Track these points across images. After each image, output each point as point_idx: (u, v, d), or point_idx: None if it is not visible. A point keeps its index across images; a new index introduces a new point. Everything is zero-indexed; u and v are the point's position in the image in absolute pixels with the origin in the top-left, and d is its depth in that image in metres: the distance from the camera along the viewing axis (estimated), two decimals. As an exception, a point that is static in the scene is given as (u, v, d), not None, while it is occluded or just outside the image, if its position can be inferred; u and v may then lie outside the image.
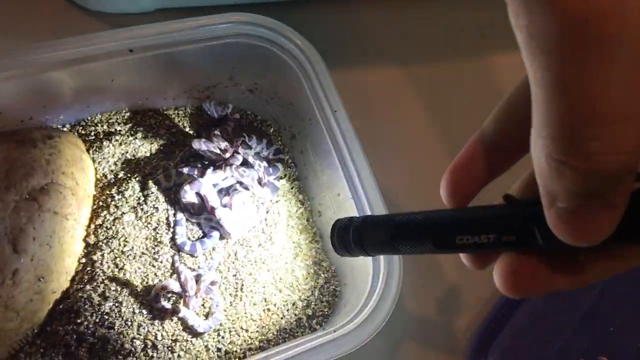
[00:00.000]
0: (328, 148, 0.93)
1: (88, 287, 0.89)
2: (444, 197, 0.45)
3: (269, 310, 0.96)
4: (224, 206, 0.96)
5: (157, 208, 0.96)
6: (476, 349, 1.01)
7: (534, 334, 1.02)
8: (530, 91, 0.30)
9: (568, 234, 0.32)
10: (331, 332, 0.81)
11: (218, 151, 0.98)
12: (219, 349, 0.92)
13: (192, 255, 0.96)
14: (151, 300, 0.90)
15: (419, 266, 1.03)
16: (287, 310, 0.96)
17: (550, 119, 0.29)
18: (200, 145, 0.97)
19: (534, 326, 1.02)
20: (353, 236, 0.46)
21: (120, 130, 1.03)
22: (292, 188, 1.06)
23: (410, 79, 1.22)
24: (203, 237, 0.97)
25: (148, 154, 1.03)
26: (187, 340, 0.91)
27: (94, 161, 0.99)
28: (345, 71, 1.11)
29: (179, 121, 1.07)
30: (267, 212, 1.02)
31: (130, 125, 1.04)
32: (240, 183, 1.00)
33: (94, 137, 1.02)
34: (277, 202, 1.04)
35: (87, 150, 0.99)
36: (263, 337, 0.93)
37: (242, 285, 0.97)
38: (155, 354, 0.88)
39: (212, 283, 0.92)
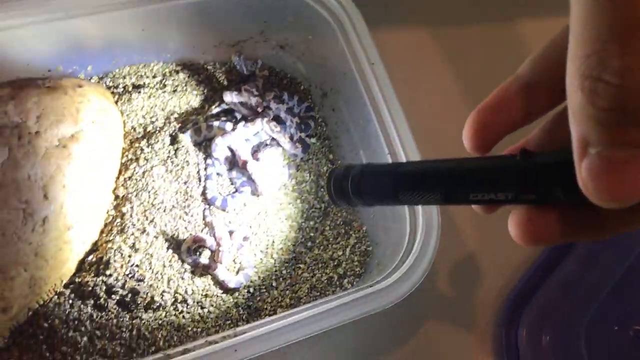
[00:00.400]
0: (363, 102, 0.90)
1: (118, 238, 0.87)
2: (467, 138, 0.41)
3: (299, 268, 0.94)
4: (256, 160, 0.94)
5: (187, 162, 0.93)
6: (508, 315, 0.99)
7: (566, 302, 0.99)
8: (570, 15, 0.28)
9: (600, 190, 0.29)
10: (366, 288, 0.78)
11: (250, 105, 0.95)
12: (248, 306, 0.90)
13: (223, 210, 0.93)
14: (182, 254, 0.88)
15: (449, 230, 1.00)
16: (318, 269, 0.94)
17: (587, 34, 0.27)
18: (232, 97, 0.94)
19: (566, 293, 1.00)
20: (352, 183, 0.43)
21: (149, 84, 1.01)
22: (322, 147, 1.04)
23: (442, 41, 1.19)
24: (234, 192, 0.95)
25: (177, 108, 1.00)
26: (217, 296, 0.89)
27: (122, 114, 0.97)
28: (376, 31, 1.08)
29: (208, 76, 1.05)
30: (298, 170, 1.00)
31: (160, 78, 1.02)
32: (272, 139, 0.97)
33: (122, 90, 1.00)
34: (307, 160, 1.01)
35: (116, 103, 0.97)
36: (294, 294, 0.91)
37: (273, 242, 0.95)
38: (185, 309, 0.87)
39: (244, 239, 0.90)
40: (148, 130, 0.97)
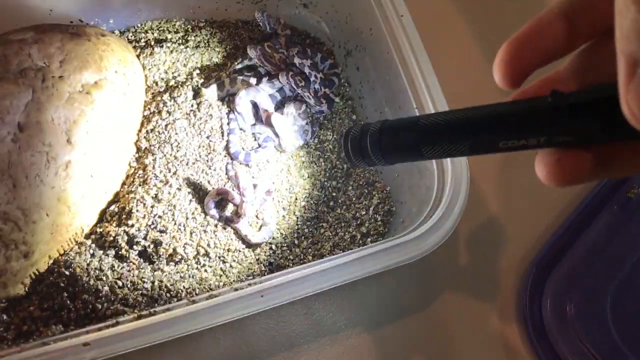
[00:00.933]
0: (390, 57, 0.88)
1: (140, 189, 0.85)
2: (497, 68, 0.37)
3: (321, 226, 0.92)
4: (280, 115, 0.92)
5: (210, 115, 0.92)
6: (531, 282, 0.97)
7: (592, 269, 0.97)
8: None
9: None
10: (392, 240, 0.77)
11: (274, 60, 0.94)
12: (270, 263, 0.88)
13: (246, 165, 0.92)
14: (205, 206, 0.86)
15: (472, 193, 0.98)
16: (341, 228, 0.92)
17: None
18: (256, 52, 0.92)
19: (592, 261, 0.98)
20: (371, 141, 0.40)
21: (171, 39, 0.99)
22: (345, 107, 1.02)
23: (471, 11, 1.17)
24: (257, 147, 0.93)
25: (200, 64, 0.99)
26: (240, 251, 0.88)
27: (144, 67, 0.95)
28: None
29: (230, 33, 1.03)
30: (321, 128, 0.98)
31: (182, 34, 1.00)
32: (296, 95, 0.96)
33: (144, 44, 0.98)
34: (331, 119, 1.00)
35: (138, 57, 0.95)
36: (316, 252, 0.89)
37: (296, 199, 0.93)
38: (207, 262, 0.85)
39: (268, 192, 0.88)
40: (170, 84, 0.95)
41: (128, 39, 0.98)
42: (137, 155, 0.89)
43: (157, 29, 1.00)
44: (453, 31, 1.13)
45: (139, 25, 1.00)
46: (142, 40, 0.98)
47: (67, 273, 0.79)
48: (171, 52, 0.97)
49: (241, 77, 0.94)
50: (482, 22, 1.15)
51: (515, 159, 1.03)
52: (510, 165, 1.02)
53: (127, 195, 0.85)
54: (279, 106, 0.96)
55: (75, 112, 0.79)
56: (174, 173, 0.87)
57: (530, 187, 1.01)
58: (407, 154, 0.40)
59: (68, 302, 0.77)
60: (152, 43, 0.98)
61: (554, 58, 0.38)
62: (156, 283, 0.81)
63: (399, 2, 0.88)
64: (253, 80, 0.93)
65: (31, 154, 0.74)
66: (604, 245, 0.98)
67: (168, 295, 0.81)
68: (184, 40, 0.99)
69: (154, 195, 0.85)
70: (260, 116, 0.93)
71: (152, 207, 0.84)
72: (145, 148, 0.89)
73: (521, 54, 0.37)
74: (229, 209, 0.89)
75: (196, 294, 0.81)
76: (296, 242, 0.91)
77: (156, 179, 0.86)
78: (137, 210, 0.83)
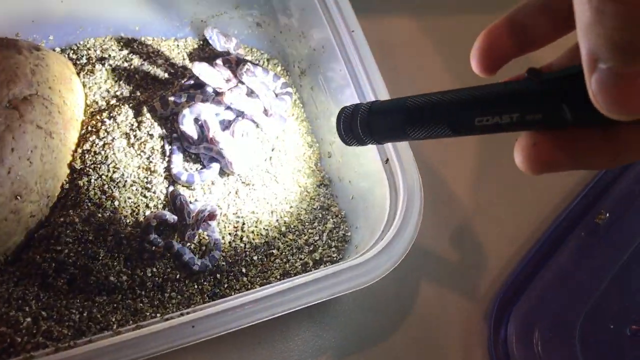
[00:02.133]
0: (343, 75, 0.85)
1: (71, 212, 0.79)
2: (474, 58, 0.40)
3: (271, 254, 0.86)
4: (226, 134, 0.87)
5: (151, 135, 0.87)
6: (497, 310, 0.91)
7: (558, 297, 0.92)
8: None
9: (610, 102, 0.29)
10: (341, 264, 0.71)
11: (220, 78, 0.89)
12: (215, 294, 0.82)
13: (188, 188, 0.86)
14: (142, 231, 0.80)
15: (435, 218, 0.94)
16: (292, 255, 0.86)
17: None
18: (200, 69, 0.88)
19: (559, 288, 0.93)
20: (361, 122, 0.43)
21: (114, 56, 0.94)
22: (300, 129, 0.97)
23: (431, 30, 1.14)
24: (202, 168, 0.88)
25: (144, 83, 0.94)
26: (180, 280, 0.81)
27: (84, 86, 0.90)
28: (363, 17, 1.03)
29: (178, 53, 0.99)
30: (273, 149, 0.93)
31: (126, 52, 0.96)
32: (244, 115, 0.91)
33: (85, 61, 0.93)
34: (283, 140, 0.95)
35: (78, 74, 0.91)
36: (265, 282, 0.83)
37: (243, 224, 0.87)
38: (143, 292, 0.79)
39: (211, 216, 0.82)
40: (111, 103, 0.90)
41: (69, 57, 0.93)
42: (70, 177, 0.83)
43: (100, 47, 0.95)
44: (409, 47, 1.10)
45: (81, 42, 0.95)
46: (84, 58, 0.93)
47: (-16, 303, 0.72)
48: (113, 70, 0.92)
49: (186, 96, 0.89)
50: (439, 36, 1.12)
51: (483, 178, 0.99)
52: (476, 188, 0.98)
53: (57, 219, 0.79)
54: (227, 125, 0.91)
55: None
56: (109, 196, 0.81)
57: (497, 210, 0.97)
58: (394, 134, 0.42)
59: (-17, 335, 0.70)
60: (94, 60, 0.93)
61: (532, 47, 0.40)
62: (85, 314, 0.75)
63: (350, 18, 0.85)
64: (199, 98, 0.89)
65: (-56, 172, 0.68)
66: (571, 272, 0.94)
67: (98, 327, 0.74)
68: (128, 58, 0.95)
69: (85, 219, 0.79)
70: (205, 135, 0.88)
71: (83, 231, 0.78)
72: (80, 169, 0.83)
73: (497, 42, 0.39)
74: (168, 235, 0.83)
75: (129, 327, 0.75)
76: (243, 270, 0.85)
77: (89, 202, 0.80)
78: (67, 235, 0.77)
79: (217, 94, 0.90)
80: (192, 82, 0.93)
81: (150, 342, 0.63)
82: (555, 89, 0.33)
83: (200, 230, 0.83)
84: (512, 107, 0.35)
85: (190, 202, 0.84)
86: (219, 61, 0.93)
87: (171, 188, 0.84)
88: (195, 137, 0.88)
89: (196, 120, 0.88)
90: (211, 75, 0.89)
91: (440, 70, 1.08)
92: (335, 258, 0.86)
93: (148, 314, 0.77)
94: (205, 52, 1.00)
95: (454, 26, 1.14)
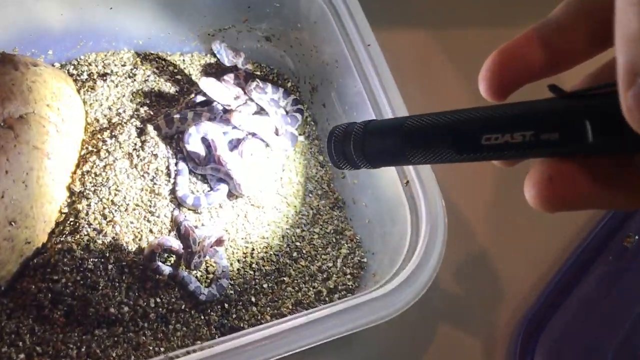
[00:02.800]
0: (358, 91, 0.80)
1: (70, 238, 0.74)
2: (483, 79, 0.35)
3: (282, 281, 0.81)
4: (235, 155, 0.82)
5: (155, 155, 0.81)
6: (521, 343, 0.86)
7: (587, 328, 0.87)
8: None
9: None
10: (361, 296, 0.66)
11: (229, 95, 0.84)
12: (222, 325, 0.77)
13: (195, 211, 0.81)
14: (145, 259, 0.75)
15: (455, 245, 0.88)
16: (305, 283, 0.81)
17: None
18: (208, 85, 0.83)
19: (587, 317, 0.87)
20: (354, 144, 0.39)
21: (117, 72, 0.90)
22: (311, 148, 0.92)
23: (448, 45, 1.09)
24: (209, 191, 0.83)
25: (148, 100, 0.89)
26: (186, 311, 0.76)
27: (85, 103, 0.85)
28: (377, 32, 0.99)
29: (184, 68, 0.94)
30: (283, 170, 0.88)
31: (129, 67, 0.91)
32: (253, 134, 0.86)
33: (86, 77, 0.88)
34: (294, 160, 0.90)
35: (78, 91, 0.86)
36: (276, 312, 0.78)
37: (253, 250, 0.82)
38: (146, 324, 0.73)
39: (219, 242, 0.77)
40: (113, 121, 0.85)
41: (69, 72, 0.88)
42: (69, 200, 0.78)
43: (102, 62, 0.90)
44: (425, 62, 1.05)
45: (82, 57, 0.90)
46: (85, 74, 0.89)
47: (-27, 339, 0.67)
48: (116, 86, 0.88)
49: (192, 114, 0.84)
50: (457, 52, 1.07)
51: (502, 202, 0.94)
52: (496, 211, 0.93)
53: (54, 246, 0.74)
54: (236, 144, 0.86)
55: (-9, 149, 0.68)
56: (110, 220, 0.76)
57: (518, 235, 0.92)
58: (392, 158, 0.38)
59: (-27, 373, 0.65)
60: (95, 76, 0.88)
61: (546, 74, 0.35)
62: (83, 349, 0.69)
63: (366, 31, 0.80)
64: (206, 116, 0.84)
65: None
66: (599, 299, 0.88)
67: (97, 363, 0.68)
68: (131, 74, 0.90)
69: (85, 246, 0.73)
70: (212, 156, 0.83)
71: (82, 259, 0.72)
72: (80, 192, 0.78)
73: (508, 66, 0.34)
74: (173, 262, 0.77)
75: (131, 362, 0.69)
76: (253, 299, 0.79)
77: (89, 227, 0.75)
78: (64, 264, 0.72)
79: (225, 111, 0.85)
80: (198, 98, 0.88)
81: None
82: (577, 105, 0.29)
83: (208, 257, 0.78)
84: (526, 124, 0.31)
85: (197, 227, 0.79)
86: (227, 77, 0.88)
87: (176, 212, 0.79)
88: (202, 157, 0.83)
89: (203, 139, 0.83)
90: (219, 91, 0.84)
91: (458, 87, 1.04)
92: (350, 286, 0.81)
93: (151, 347, 0.72)
94: (212, 68, 0.96)
95: (473, 41, 1.10)
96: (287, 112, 0.90)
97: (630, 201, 0.31)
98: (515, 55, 0.34)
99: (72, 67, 0.89)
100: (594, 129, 0.28)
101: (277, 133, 0.86)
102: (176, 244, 0.76)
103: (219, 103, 0.86)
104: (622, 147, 0.28)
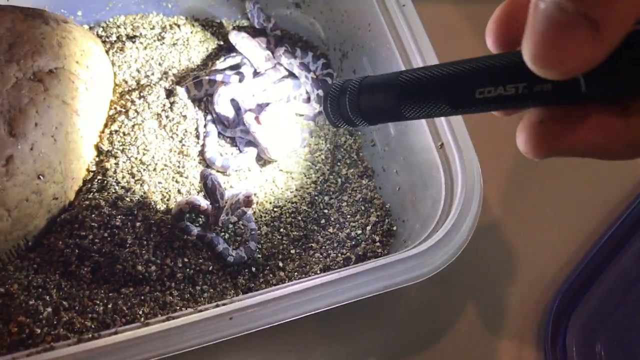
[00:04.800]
0: (391, 53, 0.78)
1: (97, 195, 0.73)
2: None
3: (310, 247, 0.80)
4: (262, 118, 0.81)
5: (184, 116, 0.80)
6: (554, 318, 0.83)
7: (623, 303, 0.84)
8: None
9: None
10: (395, 255, 0.64)
11: (260, 52, 0.83)
12: (249, 288, 0.75)
13: (223, 173, 0.80)
14: (173, 218, 0.74)
15: (486, 216, 0.86)
16: (333, 249, 0.79)
17: None
18: (238, 38, 0.81)
19: (622, 293, 0.84)
20: (350, 100, 0.38)
21: (145, 35, 0.89)
22: (340, 116, 0.91)
23: (476, 19, 1.07)
24: (238, 153, 0.82)
25: (177, 63, 0.88)
26: (213, 273, 0.75)
27: (113, 64, 0.84)
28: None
29: (213, 32, 0.93)
30: (312, 135, 0.86)
31: (158, 31, 0.90)
32: (282, 98, 0.85)
33: (115, 39, 0.88)
34: (323, 127, 0.88)
35: (107, 52, 0.85)
36: (304, 276, 0.76)
37: (281, 215, 0.80)
38: (173, 284, 0.72)
39: (246, 202, 0.75)
40: (142, 83, 0.84)
41: (97, 34, 0.88)
42: (97, 159, 0.77)
43: (131, 24, 0.90)
44: (451, 36, 1.03)
45: (111, 19, 0.90)
46: (113, 35, 0.88)
47: (1, 290, 0.66)
48: (145, 48, 0.87)
49: (222, 76, 0.83)
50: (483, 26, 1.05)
51: (538, 172, 0.91)
52: (530, 180, 0.90)
53: (81, 203, 0.73)
54: (264, 107, 0.84)
55: (22, 100, 0.67)
56: (139, 179, 0.75)
57: (554, 205, 0.89)
58: (388, 114, 0.37)
59: (0, 325, 0.64)
60: (124, 38, 0.87)
61: None
62: (110, 306, 0.68)
63: (400, -9, 0.78)
64: (235, 78, 0.82)
65: (-37, 144, 0.62)
66: (636, 276, 0.85)
67: (123, 320, 0.67)
68: (159, 37, 0.89)
69: (112, 203, 0.72)
70: (241, 118, 0.81)
71: (110, 216, 0.71)
72: (108, 151, 0.77)
73: (518, 15, 0.32)
74: (202, 222, 0.76)
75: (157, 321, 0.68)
76: (280, 264, 0.78)
77: (117, 185, 0.74)
78: (92, 220, 0.71)
79: (256, 74, 0.84)
80: (227, 62, 0.87)
81: (183, 334, 0.56)
82: None
83: (236, 218, 0.76)
84: (518, 76, 0.30)
85: (225, 189, 0.77)
86: (258, 39, 0.87)
87: (205, 173, 0.78)
88: (231, 119, 0.81)
89: (232, 101, 0.82)
90: (249, 47, 0.83)
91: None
92: (380, 253, 0.79)
93: (178, 307, 0.70)
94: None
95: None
96: (317, 77, 0.88)
97: (621, 150, 0.30)
98: (521, 7, 0.32)
99: (101, 29, 0.89)
100: (587, 78, 0.28)
101: (308, 100, 0.85)
102: (205, 204, 0.75)
103: (247, 59, 0.84)
104: (616, 93, 0.28)
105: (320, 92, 0.85)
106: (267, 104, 0.85)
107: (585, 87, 0.28)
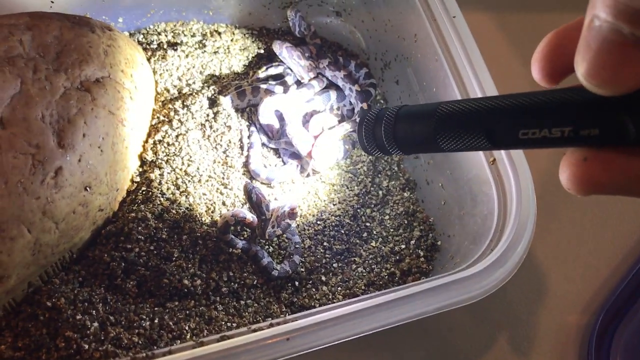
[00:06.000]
0: (439, 65, 0.76)
1: (143, 207, 0.72)
2: (536, 63, 0.33)
3: (353, 261, 0.78)
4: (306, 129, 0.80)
5: (229, 127, 0.79)
6: (599, 332, 0.81)
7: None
8: None
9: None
10: (448, 276, 0.63)
11: (302, 62, 0.82)
12: (292, 303, 0.74)
13: (268, 185, 0.79)
14: (219, 231, 0.73)
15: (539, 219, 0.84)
16: (377, 263, 0.78)
17: None
18: (282, 49, 0.80)
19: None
20: (385, 129, 0.38)
21: (186, 42, 0.87)
22: (381, 127, 0.89)
23: (508, 28, 1.05)
24: (282, 165, 0.80)
25: (218, 72, 0.87)
26: (257, 287, 0.73)
27: (154, 72, 0.83)
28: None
29: (254, 40, 0.92)
30: (355, 147, 0.85)
31: (199, 38, 0.89)
32: (325, 109, 0.83)
33: (156, 47, 0.87)
34: (365, 138, 0.87)
35: (148, 60, 0.84)
36: (347, 291, 0.75)
37: (324, 228, 0.79)
38: (218, 299, 0.71)
39: (291, 214, 0.74)
40: (184, 92, 0.83)
41: (138, 41, 0.86)
42: (141, 169, 0.76)
43: (172, 32, 0.89)
44: (483, 45, 1.01)
45: (151, 26, 0.89)
46: (154, 43, 0.87)
47: (49, 304, 0.64)
48: (186, 56, 0.85)
49: (265, 86, 0.81)
50: (516, 34, 1.03)
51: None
52: (568, 196, 0.89)
53: (127, 215, 0.72)
54: (308, 119, 0.83)
55: (70, 111, 0.66)
56: (184, 190, 0.74)
57: (592, 222, 0.87)
58: (423, 144, 0.37)
59: (48, 339, 0.63)
60: (165, 46, 0.86)
61: None
62: (156, 321, 0.67)
63: (450, 3, 0.77)
64: (279, 89, 0.81)
65: (13, 156, 0.61)
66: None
67: (170, 336, 0.66)
68: (201, 45, 0.88)
69: (159, 215, 0.71)
70: (284, 129, 0.80)
71: (156, 228, 0.70)
72: (152, 161, 0.76)
73: (565, 48, 0.32)
74: (247, 236, 0.75)
75: (204, 336, 0.67)
76: (323, 278, 0.77)
77: (162, 197, 0.73)
78: (139, 233, 0.70)
79: (299, 84, 0.83)
80: (269, 72, 0.85)
81: (240, 356, 0.55)
82: (618, 100, 0.27)
83: (280, 231, 0.75)
84: (564, 119, 0.29)
85: (269, 201, 0.76)
86: (300, 49, 0.86)
87: (249, 185, 0.77)
88: (276, 130, 0.80)
89: (277, 112, 0.80)
90: (293, 57, 0.82)
91: (516, 71, 0.99)
92: (425, 269, 0.78)
93: (223, 322, 0.69)
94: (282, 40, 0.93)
95: (532, 24, 1.06)
96: (360, 87, 0.86)
97: None
98: (570, 38, 0.31)
99: (142, 36, 0.87)
100: (636, 125, 0.27)
101: (353, 112, 0.83)
102: (250, 216, 0.73)
103: (291, 69, 0.83)
104: None
105: (365, 105, 0.84)
106: (312, 115, 0.83)
107: (635, 132, 0.27)
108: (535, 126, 0.31)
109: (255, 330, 0.58)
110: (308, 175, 0.81)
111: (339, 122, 0.85)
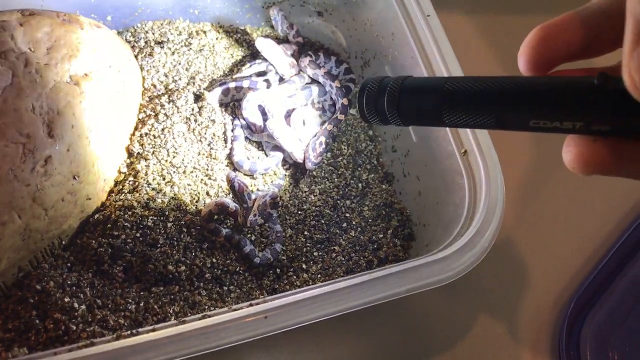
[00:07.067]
0: (415, 64, 0.80)
1: (130, 196, 0.75)
2: (523, 55, 0.34)
3: (333, 250, 0.81)
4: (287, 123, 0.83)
5: (213, 121, 0.82)
6: (570, 321, 0.84)
7: (634, 311, 0.85)
8: None
9: None
10: (422, 258, 0.66)
11: (285, 59, 0.85)
12: (274, 289, 0.77)
13: (251, 176, 0.82)
14: (203, 219, 0.76)
15: (507, 212, 0.88)
16: (355, 252, 0.81)
17: None
18: (264, 45, 0.84)
19: (634, 302, 0.86)
20: (389, 98, 0.37)
21: (173, 40, 0.91)
22: (361, 123, 0.93)
23: (487, 31, 1.09)
24: (264, 157, 0.84)
25: (203, 69, 0.90)
26: (240, 274, 0.76)
27: (141, 69, 0.86)
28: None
29: (238, 39, 0.95)
30: (335, 140, 0.88)
31: (185, 37, 0.92)
32: (306, 104, 0.87)
33: (143, 44, 0.90)
34: (344, 132, 0.90)
35: (135, 57, 0.87)
36: (327, 278, 0.78)
37: (305, 218, 0.82)
38: (201, 284, 0.74)
39: (273, 202, 0.77)
40: (170, 88, 0.86)
41: (126, 39, 0.90)
42: (128, 161, 0.79)
43: (159, 30, 0.92)
44: (463, 48, 1.05)
45: (139, 25, 0.92)
46: (142, 40, 0.90)
47: (38, 288, 0.67)
48: (172, 54, 0.89)
49: (248, 82, 0.85)
50: (495, 37, 1.07)
51: (552, 177, 0.93)
52: (543, 189, 0.92)
53: (114, 203, 0.75)
54: (290, 114, 0.86)
55: (60, 103, 0.69)
56: (169, 181, 0.77)
57: (567, 214, 0.91)
58: (426, 117, 0.37)
59: (37, 321, 0.66)
60: (152, 44, 0.89)
61: (587, 54, 0.34)
62: (142, 304, 0.70)
63: (425, 2, 0.80)
64: (262, 84, 0.84)
65: (5, 145, 0.64)
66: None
67: (155, 318, 0.69)
68: (187, 43, 0.91)
69: (144, 204, 0.74)
70: (267, 123, 0.83)
71: (142, 217, 0.73)
72: (138, 153, 0.79)
73: (549, 42, 0.34)
74: (230, 224, 0.78)
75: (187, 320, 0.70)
76: (304, 266, 0.80)
77: (148, 187, 0.76)
78: (125, 220, 0.73)
79: (281, 80, 0.86)
80: (253, 69, 0.89)
81: (220, 332, 0.58)
82: (630, 102, 0.28)
83: (262, 220, 0.78)
84: (578, 115, 0.30)
85: (252, 192, 0.79)
86: (282, 46, 0.89)
87: (232, 176, 0.80)
88: (259, 124, 0.83)
89: (260, 107, 0.84)
90: (275, 53, 0.85)
91: (489, 67, 1.03)
92: (401, 257, 0.81)
93: (206, 307, 0.72)
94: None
95: (511, 27, 1.09)
96: (340, 83, 0.90)
97: None
98: (557, 33, 0.33)
99: (129, 34, 0.91)
100: None
101: (333, 108, 0.87)
102: (233, 206, 0.77)
103: (273, 65, 0.86)
104: None
105: (345, 100, 0.87)
106: (293, 110, 0.87)
107: None
108: (548, 117, 0.31)
109: (235, 310, 0.61)
110: (289, 166, 0.84)
111: (320, 115, 0.88)
